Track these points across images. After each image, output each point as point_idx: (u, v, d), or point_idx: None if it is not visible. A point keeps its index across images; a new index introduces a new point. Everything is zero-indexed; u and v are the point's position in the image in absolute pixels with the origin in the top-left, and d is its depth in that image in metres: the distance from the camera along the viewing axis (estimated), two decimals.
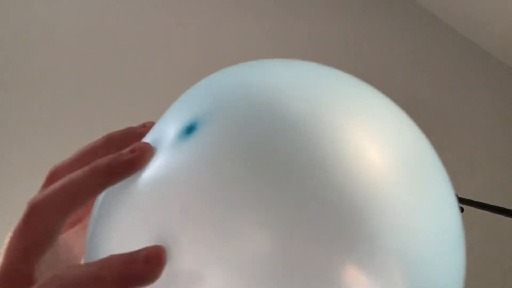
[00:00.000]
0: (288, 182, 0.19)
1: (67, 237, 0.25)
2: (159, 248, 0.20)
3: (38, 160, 1.49)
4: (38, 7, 1.65)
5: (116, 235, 0.22)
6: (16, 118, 1.56)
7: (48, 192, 0.21)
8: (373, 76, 1.89)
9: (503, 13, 1.76)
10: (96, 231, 0.23)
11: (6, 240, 0.22)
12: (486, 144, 1.91)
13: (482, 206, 0.85)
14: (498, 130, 1.93)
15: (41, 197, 0.21)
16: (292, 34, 1.86)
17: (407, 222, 0.20)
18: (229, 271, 0.19)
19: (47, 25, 1.66)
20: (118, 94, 1.66)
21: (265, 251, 0.19)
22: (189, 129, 0.22)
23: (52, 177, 0.24)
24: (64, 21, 1.68)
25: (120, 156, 0.22)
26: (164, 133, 0.23)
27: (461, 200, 0.95)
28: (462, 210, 0.96)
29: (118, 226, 0.21)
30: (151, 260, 0.19)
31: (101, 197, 0.24)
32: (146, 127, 0.25)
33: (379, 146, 0.21)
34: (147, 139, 0.24)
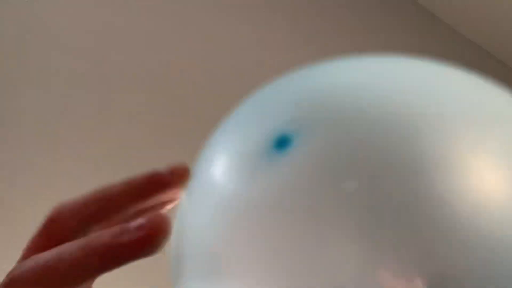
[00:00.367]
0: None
1: None
2: (158, 215, 0.17)
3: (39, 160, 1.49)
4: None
5: None
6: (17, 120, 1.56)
7: (27, 268, 0.17)
8: None
9: (504, 13, 1.76)
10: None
11: None
12: None
13: None
14: None
15: (18, 273, 0.17)
16: (292, 34, 1.86)
17: None
18: None
19: (55, 27, 1.66)
20: (120, 94, 1.66)
21: None
22: (281, 143, 0.17)
23: (54, 220, 0.19)
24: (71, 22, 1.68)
25: (122, 235, 0.17)
26: (240, 144, 0.18)
27: None
28: None
29: None
30: (147, 226, 0.16)
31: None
32: (174, 175, 0.20)
33: None
34: (213, 150, 0.19)
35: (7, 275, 0.17)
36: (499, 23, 1.83)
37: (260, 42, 1.83)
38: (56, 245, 0.18)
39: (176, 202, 0.21)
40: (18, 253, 0.20)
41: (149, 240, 0.17)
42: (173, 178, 0.20)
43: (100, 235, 0.17)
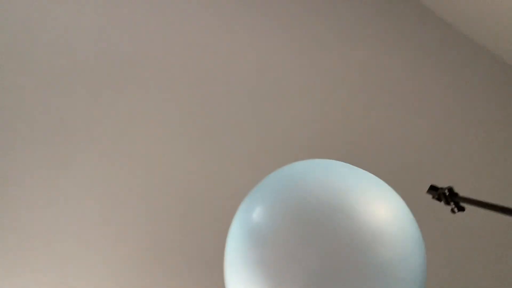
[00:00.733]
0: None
1: None
2: None
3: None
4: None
5: None
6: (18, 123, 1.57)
7: None
8: (374, 75, 1.89)
9: (504, 12, 1.76)
10: None
11: None
12: (487, 143, 1.91)
13: (482, 205, 0.86)
14: (499, 130, 1.93)
15: None
16: (292, 34, 1.87)
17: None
18: None
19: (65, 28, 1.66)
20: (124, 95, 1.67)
21: None
22: None
23: None
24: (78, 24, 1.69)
25: None
26: None
27: (462, 199, 0.95)
28: (463, 209, 0.97)
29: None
30: None
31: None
32: None
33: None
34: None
35: None
36: (502, 22, 1.83)
37: (262, 44, 1.84)
38: None
39: None
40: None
41: None
42: None
43: None
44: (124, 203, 1.66)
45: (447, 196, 0.98)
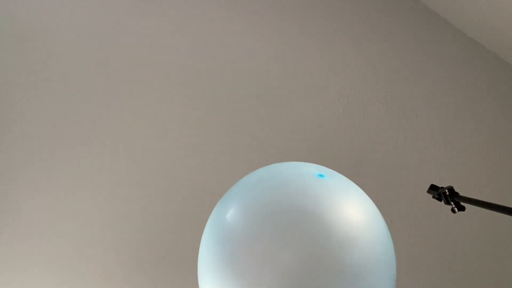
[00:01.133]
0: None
1: None
2: None
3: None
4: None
5: None
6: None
7: None
8: (375, 74, 1.89)
9: (505, 12, 1.76)
10: None
11: None
12: (487, 142, 1.91)
13: (482, 205, 0.86)
14: (499, 129, 1.93)
15: None
16: (292, 33, 1.87)
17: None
18: None
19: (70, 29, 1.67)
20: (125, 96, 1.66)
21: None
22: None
23: None
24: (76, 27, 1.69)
25: None
26: None
27: (462, 199, 0.95)
28: (463, 208, 0.97)
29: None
30: None
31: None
32: None
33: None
34: None
35: None
36: (503, 22, 1.83)
37: (262, 44, 1.84)
38: None
39: None
40: None
41: None
42: None
43: None
44: (124, 203, 1.66)
45: (447, 196, 0.98)
